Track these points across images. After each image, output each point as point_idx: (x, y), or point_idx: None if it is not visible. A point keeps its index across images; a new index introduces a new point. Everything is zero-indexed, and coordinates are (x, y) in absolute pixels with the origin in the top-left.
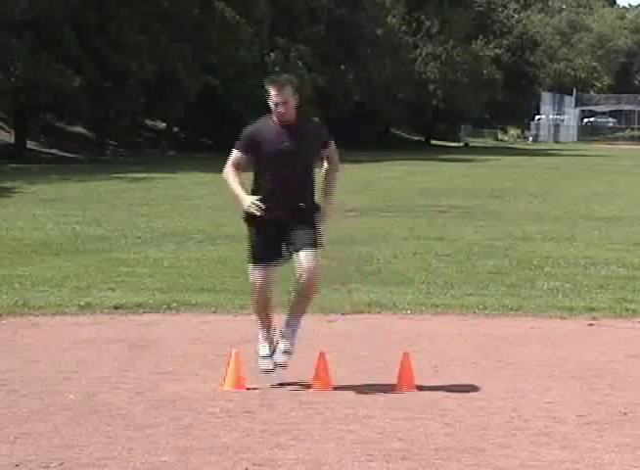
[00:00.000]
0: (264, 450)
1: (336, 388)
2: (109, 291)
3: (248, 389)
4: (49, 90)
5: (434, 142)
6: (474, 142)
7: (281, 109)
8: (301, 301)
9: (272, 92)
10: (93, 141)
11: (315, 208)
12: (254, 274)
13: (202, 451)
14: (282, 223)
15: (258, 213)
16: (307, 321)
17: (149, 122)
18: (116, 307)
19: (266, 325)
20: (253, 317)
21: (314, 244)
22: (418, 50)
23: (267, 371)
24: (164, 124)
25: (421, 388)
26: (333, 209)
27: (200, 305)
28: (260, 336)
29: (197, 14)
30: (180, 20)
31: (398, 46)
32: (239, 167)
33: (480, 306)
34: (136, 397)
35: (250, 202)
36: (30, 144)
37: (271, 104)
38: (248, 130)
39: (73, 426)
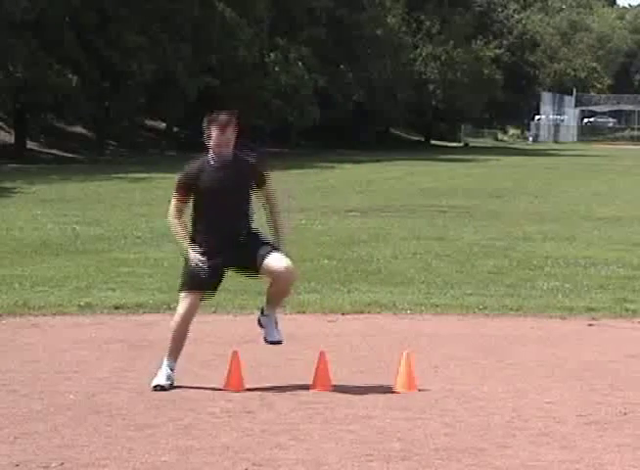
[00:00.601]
0: (264, 450)
1: (336, 388)
2: (109, 291)
3: (248, 389)
4: (49, 90)
5: (433, 142)
6: (474, 142)
7: (221, 150)
8: (280, 295)
9: (214, 133)
10: (93, 141)
11: (254, 230)
12: (185, 301)
13: (202, 451)
14: (226, 257)
15: (202, 274)
16: (307, 321)
17: (149, 122)
18: (116, 307)
19: (175, 355)
20: (169, 344)
21: (276, 248)
22: (418, 50)
23: (157, 388)
24: (164, 124)
25: (421, 388)
26: (284, 243)
27: (200, 305)
28: (165, 363)
29: (197, 14)
30: (180, 20)
31: (398, 46)
32: (181, 211)
33: (480, 306)
34: (136, 397)
35: (195, 261)
36: (30, 144)
37: (211, 143)
38: (184, 174)
39: (73, 426)
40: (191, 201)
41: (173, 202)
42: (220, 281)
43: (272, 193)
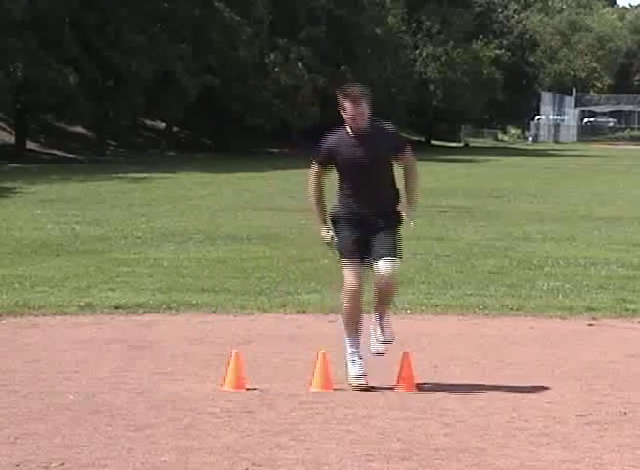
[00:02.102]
0: (264, 450)
1: (336, 388)
2: (109, 291)
3: (248, 389)
4: (49, 90)
5: (434, 142)
6: (474, 142)
7: (358, 122)
8: (384, 303)
9: (348, 105)
10: (93, 141)
11: (399, 214)
12: (345, 272)
13: (202, 451)
14: (367, 223)
15: (328, 245)
16: (308, 321)
17: (149, 122)
18: (116, 307)
19: (356, 338)
20: (343, 328)
21: (393, 254)
22: (418, 50)
23: (360, 387)
24: (164, 124)
25: (421, 388)
26: (413, 211)
27: (200, 306)
28: (348, 347)
29: (197, 14)
30: (180, 20)
31: (398, 46)
32: (320, 179)
33: (480, 306)
34: (136, 397)
35: (324, 233)
36: (30, 144)
37: (347, 116)
38: (323, 143)
39: (73, 426)
40: (332, 172)
41: (312, 174)
42: (364, 249)
43: (412, 160)
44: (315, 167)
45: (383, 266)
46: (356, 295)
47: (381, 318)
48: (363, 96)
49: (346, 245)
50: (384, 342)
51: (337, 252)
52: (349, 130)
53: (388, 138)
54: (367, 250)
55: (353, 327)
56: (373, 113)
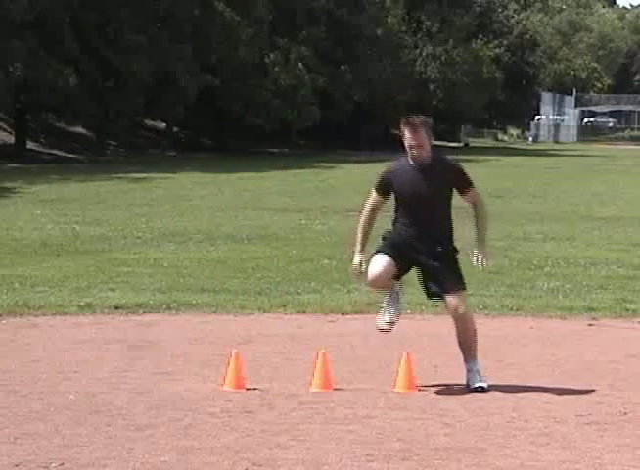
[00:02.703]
0: (264, 450)
1: (336, 388)
2: (109, 291)
3: (248, 389)
4: (49, 90)
5: (434, 142)
6: (474, 142)
7: (415, 151)
8: (464, 345)
9: (407, 134)
10: (93, 141)
11: (453, 251)
12: (373, 259)
13: (202, 451)
14: (420, 256)
15: (355, 279)
16: (308, 321)
17: (149, 122)
18: (116, 307)
19: (392, 293)
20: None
21: (460, 285)
22: (418, 50)
23: (382, 329)
24: (164, 124)
25: (421, 388)
26: (488, 252)
27: (200, 305)
28: (386, 296)
29: (197, 14)
30: (180, 20)
31: (398, 46)
32: (376, 207)
33: (481, 306)
34: (136, 397)
35: (357, 262)
36: (30, 144)
37: (406, 144)
38: (384, 171)
39: (73, 426)
40: (390, 199)
41: (370, 198)
42: (404, 271)
43: (477, 196)
44: (373, 194)
45: (452, 300)
46: (377, 283)
47: (466, 363)
48: (423, 125)
49: (388, 245)
50: (473, 390)
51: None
52: (410, 160)
53: (450, 173)
54: (410, 261)
55: (384, 290)
56: (372, 112)
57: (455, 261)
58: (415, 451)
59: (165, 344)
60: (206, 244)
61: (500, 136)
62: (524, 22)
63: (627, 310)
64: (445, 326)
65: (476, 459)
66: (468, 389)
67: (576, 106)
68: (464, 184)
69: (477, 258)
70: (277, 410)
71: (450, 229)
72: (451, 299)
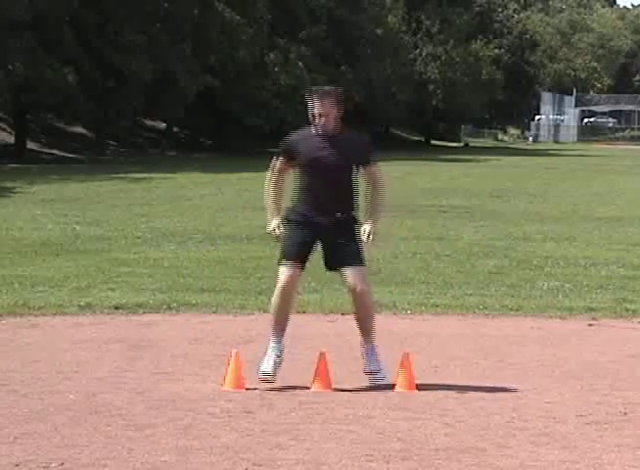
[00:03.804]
0: (264, 450)
1: (336, 388)
2: (109, 291)
3: (248, 389)
4: (49, 90)
5: (434, 142)
6: (474, 142)
7: (320, 120)
8: (361, 320)
9: (313, 103)
10: (93, 141)
11: (355, 222)
12: (282, 273)
13: (202, 451)
14: (321, 231)
15: (275, 239)
16: (308, 321)
17: (149, 122)
18: (116, 307)
19: (280, 331)
20: (270, 321)
21: (359, 260)
22: (418, 50)
23: (265, 379)
24: (164, 124)
25: (421, 388)
26: (377, 230)
27: (200, 305)
28: (271, 343)
29: (197, 14)
30: (180, 20)
31: (398, 46)
32: (280, 175)
33: (480, 306)
34: (136, 397)
35: (273, 227)
36: (30, 144)
37: (312, 114)
38: (288, 139)
39: (73, 426)
40: (291, 172)
41: (273, 169)
42: (308, 254)
43: (377, 172)
44: (277, 162)
45: (351, 274)
46: (288, 295)
47: (365, 345)
48: (330, 96)
49: (292, 247)
50: (368, 373)
51: (280, 251)
52: (315, 129)
53: (357, 147)
54: (311, 252)
55: (279, 326)
56: (372, 112)
57: (355, 235)
58: (415, 451)
59: (165, 344)
60: (206, 244)
61: (500, 136)
62: (524, 22)
63: (627, 310)
64: (445, 326)
65: (476, 459)
66: (365, 372)
67: (576, 106)
68: (368, 157)
69: (364, 232)
70: (277, 410)
71: (353, 202)
72: (349, 273)
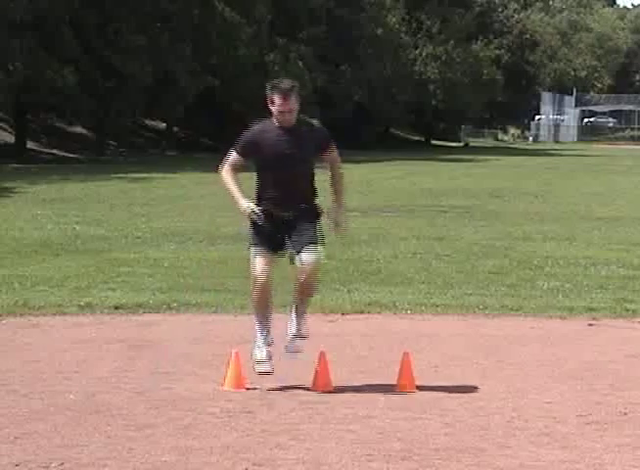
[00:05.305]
0: (264, 450)
1: (336, 388)
2: (109, 291)
3: (248, 389)
4: (49, 90)
5: (434, 142)
6: (474, 142)
7: (286, 116)
8: (306, 288)
9: (277, 100)
10: (93, 141)
11: (317, 208)
12: (255, 261)
13: (202, 451)
14: (284, 221)
15: (257, 221)
16: (307, 321)
17: (149, 122)
18: (116, 307)
19: (265, 325)
20: (252, 316)
21: (314, 243)
22: (418, 50)
23: (265, 373)
24: (164, 124)
25: (421, 388)
26: (344, 213)
27: (200, 305)
28: (258, 337)
29: (197, 14)
30: (180, 20)
31: (398, 46)
32: (236, 169)
33: (481, 306)
34: (136, 397)
35: (247, 206)
36: (31, 144)
37: (275, 110)
38: (247, 133)
39: (73, 426)
40: (246, 166)
41: (230, 159)
42: (281, 244)
43: (336, 160)
44: (233, 157)
45: (305, 256)
46: (265, 284)
47: (297, 312)
48: (292, 90)
49: (259, 234)
50: (297, 336)
51: (249, 240)
52: (275, 123)
53: (315, 136)
54: (283, 244)
55: (263, 316)
56: (372, 112)
57: (317, 223)
58: (415, 451)
59: (165, 344)
60: (206, 244)
61: (500, 136)
62: (524, 22)
63: (627, 310)
64: (445, 326)
65: (476, 459)
66: (293, 335)
67: (576, 106)
68: (327, 142)
69: (335, 223)
70: (277, 410)
71: (314, 191)
72: (309, 253)
